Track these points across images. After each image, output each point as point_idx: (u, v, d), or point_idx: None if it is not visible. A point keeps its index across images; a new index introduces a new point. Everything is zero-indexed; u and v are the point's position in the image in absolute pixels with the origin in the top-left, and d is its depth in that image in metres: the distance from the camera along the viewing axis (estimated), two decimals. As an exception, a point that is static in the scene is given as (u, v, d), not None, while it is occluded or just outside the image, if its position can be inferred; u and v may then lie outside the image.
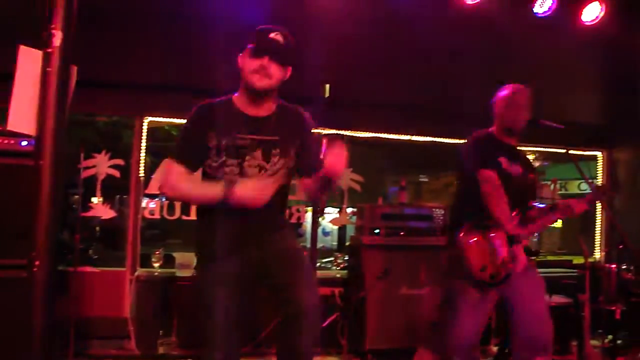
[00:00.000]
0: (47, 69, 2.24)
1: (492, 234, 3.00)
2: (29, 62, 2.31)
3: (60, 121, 2.25)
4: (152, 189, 4.77)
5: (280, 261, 2.43)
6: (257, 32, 2.41)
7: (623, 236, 3.23)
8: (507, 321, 3.18)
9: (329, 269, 5.85)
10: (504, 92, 3.25)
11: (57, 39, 2.25)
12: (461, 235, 3.03)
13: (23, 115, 2.25)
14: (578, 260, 7.60)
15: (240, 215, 2.37)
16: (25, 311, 2.80)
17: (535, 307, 3.08)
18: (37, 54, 2.31)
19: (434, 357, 3.23)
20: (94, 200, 4.79)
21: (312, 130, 2.58)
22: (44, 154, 2.19)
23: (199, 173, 2.47)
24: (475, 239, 3.01)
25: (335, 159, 2.21)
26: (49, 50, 2.24)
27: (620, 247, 4.41)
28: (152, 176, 4.81)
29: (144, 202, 4.80)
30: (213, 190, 2.32)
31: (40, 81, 2.26)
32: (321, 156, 2.23)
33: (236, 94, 2.47)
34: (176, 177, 2.39)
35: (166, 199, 2.52)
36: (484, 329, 3.18)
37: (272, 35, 2.37)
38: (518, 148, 3.33)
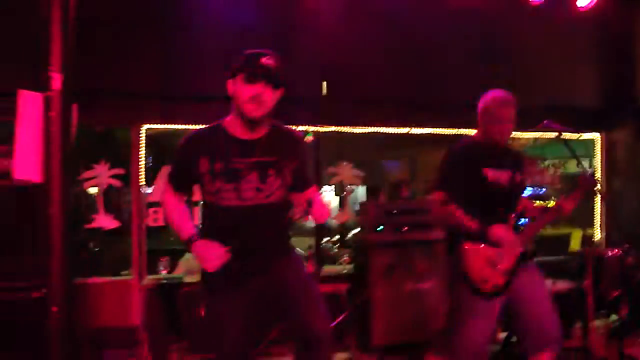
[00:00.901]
0: (49, 113, 2.24)
1: (489, 245, 3.01)
2: (29, 106, 2.30)
3: (66, 166, 2.25)
4: (155, 196, 4.78)
5: (287, 288, 2.46)
6: (247, 57, 2.39)
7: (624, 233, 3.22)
8: (514, 322, 3.21)
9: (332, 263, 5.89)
10: (488, 103, 3.15)
11: (57, 81, 2.24)
12: (460, 247, 3.04)
13: (28, 162, 2.25)
14: (576, 233, 7.68)
15: (243, 242, 2.41)
16: (36, 331, 2.86)
17: (541, 305, 3.11)
18: (38, 97, 2.30)
19: None
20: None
21: (305, 151, 2.63)
22: (53, 201, 2.20)
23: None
24: (474, 252, 3.02)
25: (320, 210, 2.48)
26: (49, 94, 2.24)
27: (627, 246, 4.45)
28: (154, 184, 4.82)
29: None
30: (182, 233, 2.48)
31: (42, 125, 2.26)
32: (307, 207, 2.46)
33: (227, 119, 2.47)
34: (166, 198, 2.58)
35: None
36: (494, 334, 3.21)
37: (263, 60, 2.35)
38: (506, 147, 3.26)
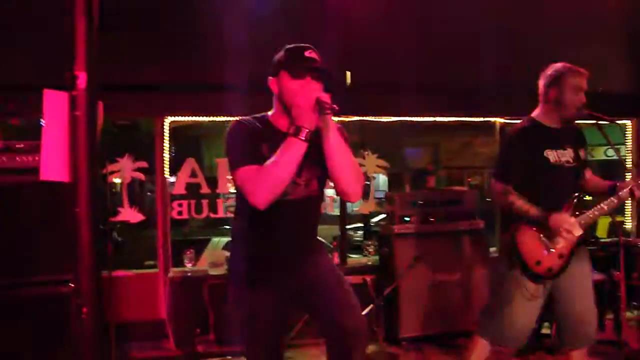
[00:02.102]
0: (75, 112, 2.19)
1: (546, 228, 2.90)
2: (55, 106, 2.27)
3: (93, 165, 2.22)
4: (178, 189, 4.77)
5: (319, 287, 2.39)
6: (289, 52, 2.28)
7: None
8: (554, 308, 3.13)
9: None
10: (562, 71, 2.97)
11: (82, 80, 2.20)
12: (515, 229, 2.96)
13: (55, 163, 2.22)
14: (603, 221, 7.53)
15: (274, 240, 2.35)
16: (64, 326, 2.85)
17: (584, 301, 3.05)
18: (63, 97, 2.26)
19: (487, 344, 3.17)
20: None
21: (344, 138, 2.49)
22: (80, 201, 2.16)
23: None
24: (528, 233, 2.93)
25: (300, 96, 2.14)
26: (74, 93, 2.19)
27: None
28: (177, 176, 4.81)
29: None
30: (286, 143, 2.14)
31: (69, 125, 2.22)
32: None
33: (270, 113, 2.38)
34: (254, 174, 2.17)
35: (260, 208, 2.09)
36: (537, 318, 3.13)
37: (307, 53, 2.24)
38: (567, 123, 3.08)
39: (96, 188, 2.22)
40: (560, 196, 2.97)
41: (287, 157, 2.15)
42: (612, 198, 3.04)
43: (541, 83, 3.06)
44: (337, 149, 2.23)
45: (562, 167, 2.99)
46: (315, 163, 2.35)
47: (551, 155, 2.97)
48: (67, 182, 2.30)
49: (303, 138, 2.13)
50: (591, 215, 3.02)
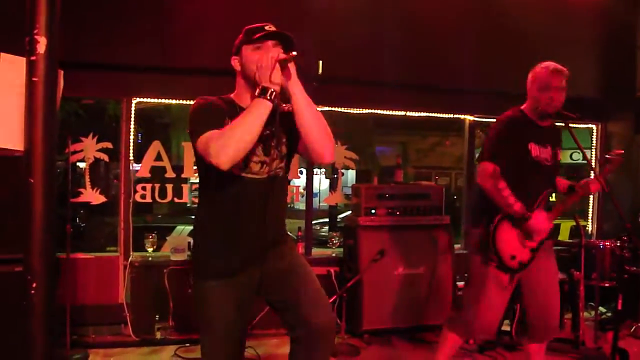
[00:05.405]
0: (33, 78, 2.11)
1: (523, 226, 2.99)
2: (11, 71, 2.18)
3: (50, 134, 2.13)
4: (143, 172, 4.67)
5: (287, 280, 2.34)
6: (250, 29, 2.26)
7: (626, 222, 3.19)
8: (522, 299, 3.25)
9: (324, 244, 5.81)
10: (538, 70, 3.07)
11: (42, 45, 2.11)
12: (491, 222, 3.01)
13: (9, 130, 2.14)
14: (566, 225, 7.65)
15: (240, 224, 2.29)
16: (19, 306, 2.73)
17: (550, 296, 3.14)
18: (20, 62, 2.17)
19: (458, 337, 3.24)
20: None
21: None
22: (35, 171, 2.08)
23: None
24: (506, 228, 3.01)
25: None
26: (33, 58, 2.11)
27: (624, 238, 4.39)
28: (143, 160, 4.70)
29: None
30: (252, 104, 2.11)
31: (25, 91, 2.13)
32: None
33: (233, 94, 2.35)
34: (218, 135, 2.10)
35: (224, 168, 1.99)
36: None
37: (267, 27, 2.23)
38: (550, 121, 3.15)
39: (54, 159, 2.14)
40: (533, 191, 3.04)
41: (253, 117, 2.10)
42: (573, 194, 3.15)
43: (528, 78, 3.13)
44: (306, 105, 2.18)
45: (540, 164, 3.06)
46: (282, 141, 2.34)
47: (534, 149, 3.04)
48: (21, 151, 2.21)
49: (269, 98, 2.09)
50: (557, 211, 3.11)
